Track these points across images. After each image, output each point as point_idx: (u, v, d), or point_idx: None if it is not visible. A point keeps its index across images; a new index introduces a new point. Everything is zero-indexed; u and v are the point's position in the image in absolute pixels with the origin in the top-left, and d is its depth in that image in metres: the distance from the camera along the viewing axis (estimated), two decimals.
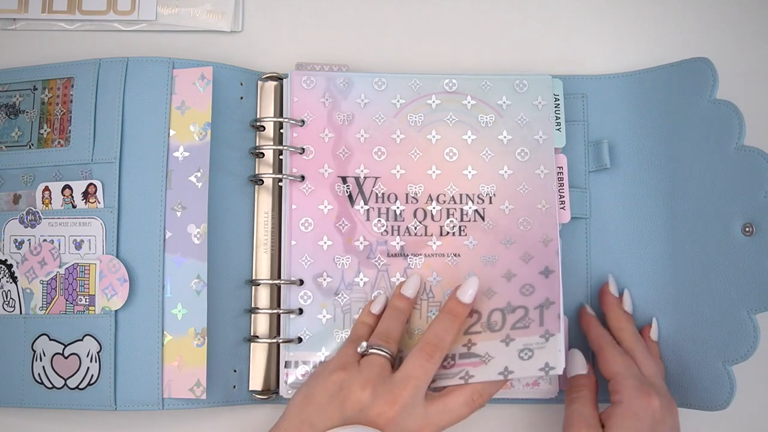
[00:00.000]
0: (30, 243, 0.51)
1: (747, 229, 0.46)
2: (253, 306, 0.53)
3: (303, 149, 0.53)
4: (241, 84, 0.54)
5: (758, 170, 0.46)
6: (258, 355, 0.52)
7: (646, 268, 0.52)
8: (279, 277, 0.52)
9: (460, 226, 0.52)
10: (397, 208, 0.52)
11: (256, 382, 0.52)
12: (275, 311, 0.52)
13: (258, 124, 0.54)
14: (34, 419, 0.53)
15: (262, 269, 0.53)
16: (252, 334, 0.52)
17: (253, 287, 0.53)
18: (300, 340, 0.51)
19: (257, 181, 0.53)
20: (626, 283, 0.52)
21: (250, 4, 0.59)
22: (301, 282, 0.52)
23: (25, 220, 0.52)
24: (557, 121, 0.53)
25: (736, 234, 0.47)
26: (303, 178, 0.53)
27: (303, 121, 0.53)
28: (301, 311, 0.52)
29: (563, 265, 0.50)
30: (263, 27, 0.58)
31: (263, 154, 0.54)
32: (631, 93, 0.54)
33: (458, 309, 0.48)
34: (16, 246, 0.52)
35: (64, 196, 0.52)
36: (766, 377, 0.54)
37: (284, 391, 0.51)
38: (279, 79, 0.55)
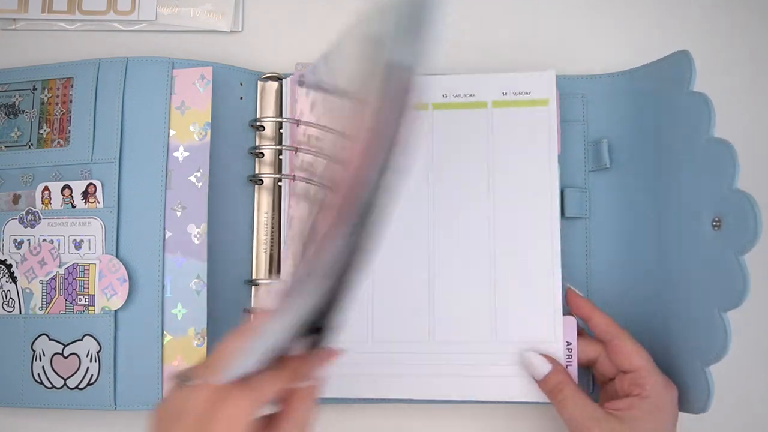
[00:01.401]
0: (30, 243, 0.51)
1: (715, 224, 0.45)
2: (253, 306, 0.53)
3: None
4: (241, 84, 0.54)
5: (723, 162, 0.44)
6: None
7: (642, 269, 0.51)
8: (279, 277, 0.52)
9: None
10: None
11: None
12: None
13: (258, 124, 0.54)
14: (34, 419, 0.53)
15: (262, 269, 0.53)
16: None
17: (253, 287, 0.53)
18: None
19: (257, 181, 0.53)
20: (625, 283, 0.52)
21: (250, 4, 0.59)
22: None
23: (25, 220, 0.52)
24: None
25: (706, 229, 0.45)
26: None
27: None
28: None
29: (562, 265, 0.50)
30: (263, 27, 0.58)
31: (263, 154, 0.54)
32: (627, 92, 0.54)
33: None
34: (15, 246, 0.52)
35: (63, 196, 0.51)
36: (748, 378, 0.53)
37: None
38: (279, 79, 0.55)
